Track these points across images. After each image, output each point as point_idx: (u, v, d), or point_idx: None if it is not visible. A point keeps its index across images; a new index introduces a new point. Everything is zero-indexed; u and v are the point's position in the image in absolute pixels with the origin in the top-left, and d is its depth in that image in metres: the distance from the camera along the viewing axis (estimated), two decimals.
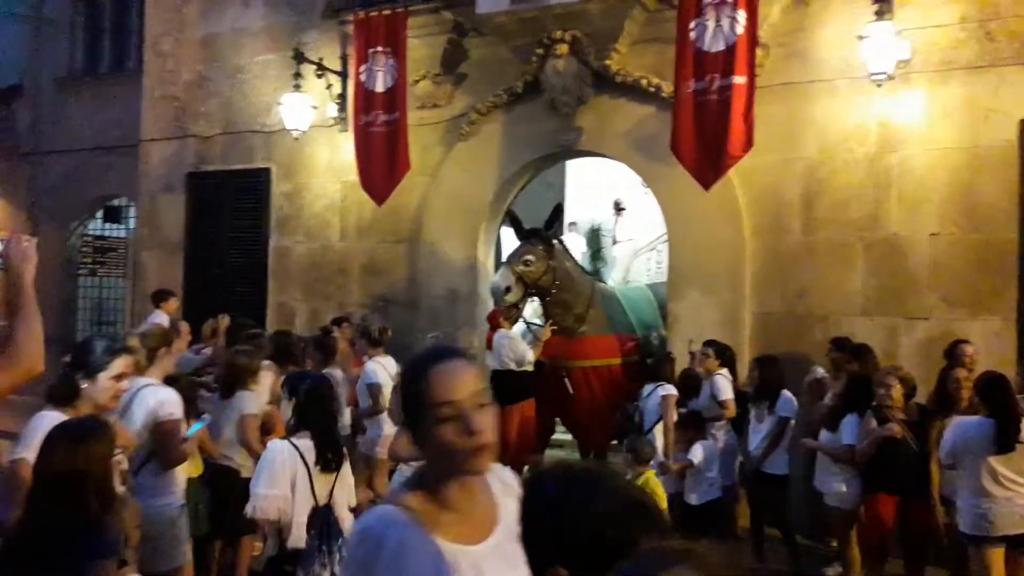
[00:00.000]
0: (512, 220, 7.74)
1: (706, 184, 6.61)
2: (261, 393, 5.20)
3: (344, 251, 9.14)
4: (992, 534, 4.63)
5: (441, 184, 8.47)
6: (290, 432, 3.87)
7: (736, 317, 7.18)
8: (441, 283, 8.45)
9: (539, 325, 7.74)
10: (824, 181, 6.92)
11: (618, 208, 12.02)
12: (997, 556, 4.63)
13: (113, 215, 12.85)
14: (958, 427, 4.82)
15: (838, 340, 6.34)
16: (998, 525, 4.61)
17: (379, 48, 8.03)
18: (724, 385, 6.28)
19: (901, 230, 6.65)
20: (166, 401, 3.98)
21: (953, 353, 5.93)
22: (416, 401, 1.58)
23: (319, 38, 9.02)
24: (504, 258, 7.88)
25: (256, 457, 4.21)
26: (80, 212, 12.65)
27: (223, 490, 4.71)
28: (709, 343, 6.53)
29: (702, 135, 6.55)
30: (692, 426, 5.99)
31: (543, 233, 7.39)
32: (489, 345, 7.39)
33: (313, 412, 3.74)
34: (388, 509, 1.58)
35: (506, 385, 6.97)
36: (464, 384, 1.56)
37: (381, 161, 8.08)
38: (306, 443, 3.68)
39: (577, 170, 12.29)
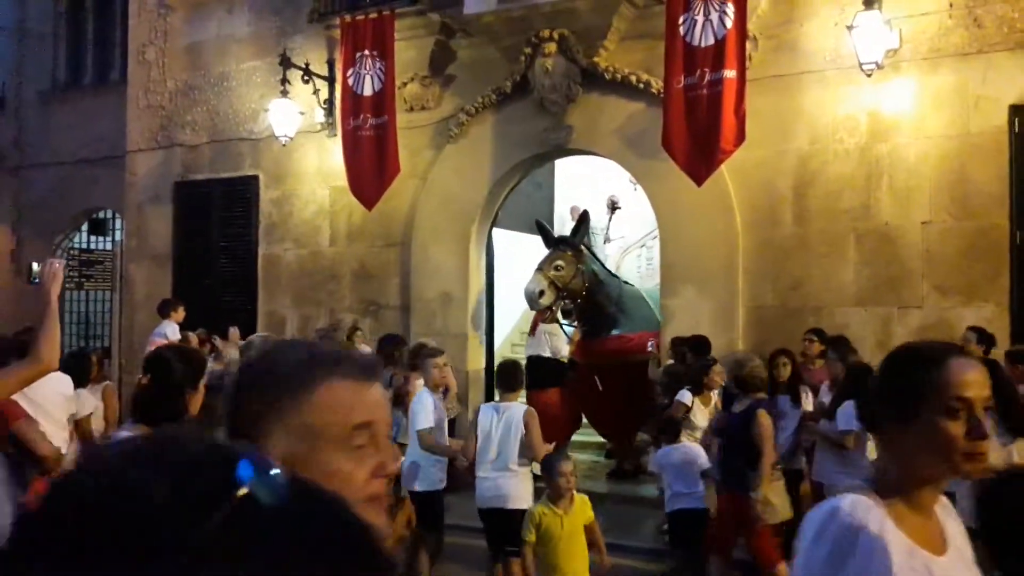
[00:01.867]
0: (540, 228, 8.10)
1: (699, 180, 6.60)
2: None
3: (334, 257, 9.08)
4: None
5: (431, 187, 8.43)
6: None
7: (730, 311, 7.16)
8: (434, 286, 8.40)
9: (572, 326, 8.13)
10: (816, 172, 6.93)
11: (613, 207, 11.98)
12: None
13: (99, 228, 12.71)
14: None
15: (814, 331, 6.34)
16: None
17: (366, 51, 8.00)
18: None
19: (893, 219, 6.66)
20: None
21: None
22: (922, 388, 1.49)
23: (305, 43, 8.98)
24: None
25: None
26: (65, 225, 12.52)
27: None
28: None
29: (693, 130, 6.55)
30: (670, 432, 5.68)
31: (571, 240, 7.81)
32: (532, 331, 8.19)
33: None
34: (861, 498, 1.49)
35: (540, 370, 7.68)
36: (979, 384, 1.48)
37: (370, 165, 8.04)
38: None
39: (566, 169, 12.24)
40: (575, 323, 8.04)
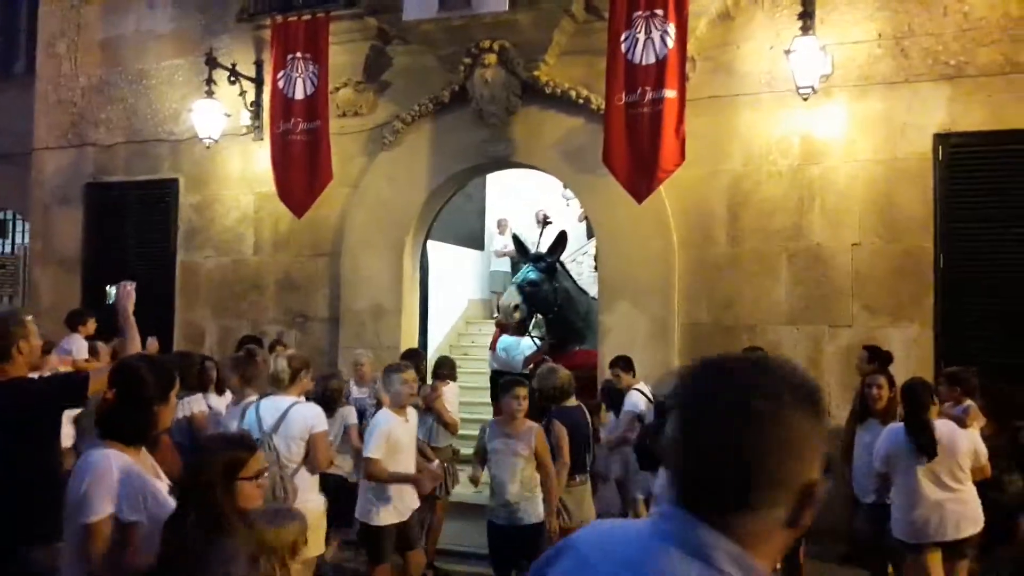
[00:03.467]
0: (516, 243, 8.73)
1: (639, 197, 6.62)
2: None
3: (258, 266, 8.74)
4: (928, 540, 4.68)
5: (364, 195, 8.21)
6: None
7: (666, 328, 7.20)
8: (365, 297, 8.17)
9: (541, 338, 8.40)
10: (749, 193, 7.05)
11: (544, 221, 11.99)
12: (935, 562, 4.69)
13: None
14: (889, 433, 4.90)
15: (751, 349, 6.44)
16: (932, 531, 4.65)
17: (299, 54, 7.74)
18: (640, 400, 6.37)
19: (824, 240, 6.83)
20: (317, 415, 4.56)
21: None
22: None
23: (232, 43, 8.63)
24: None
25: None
26: None
27: (331, 492, 5.19)
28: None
29: (634, 148, 6.56)
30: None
31: (546, 256, 8.25)
32: (492, 347, 8.65)
33: None
34: None
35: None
36: None
37: (301, 171, 7.77)
38: None
39: (497, 181, 12.20)
40: (541, 337, 8.31)
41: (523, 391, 4.96)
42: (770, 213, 6.97)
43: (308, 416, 4.48)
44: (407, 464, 5.01)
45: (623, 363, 6.66)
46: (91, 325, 7.68)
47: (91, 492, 2.48)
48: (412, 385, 5.08)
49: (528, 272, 8.13)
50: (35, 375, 3.60)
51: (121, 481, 2.51)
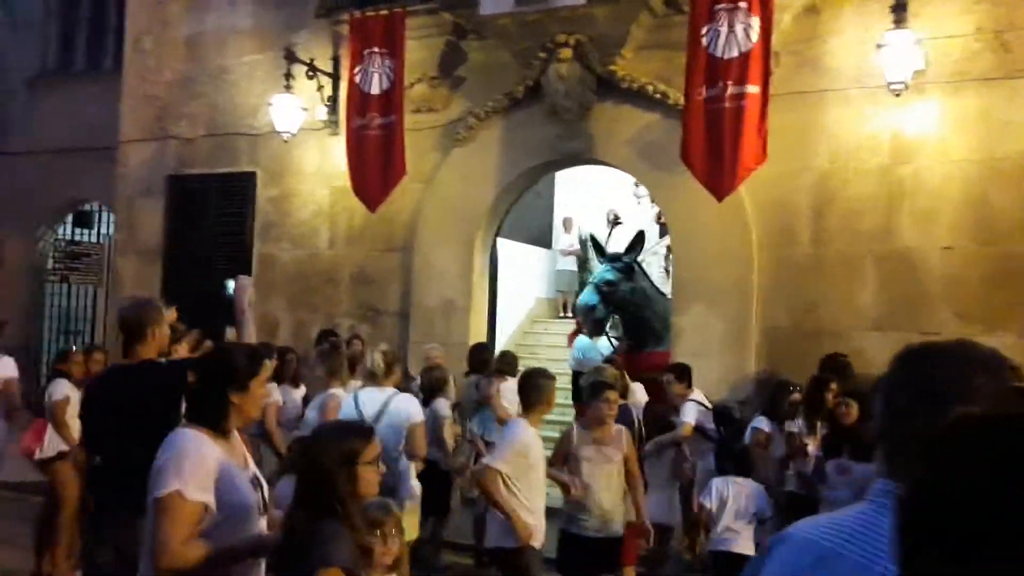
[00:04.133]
0: (594, 244, 8.71)
1: (719, 195, 6.43)
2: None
3: (333, 259, 8.82)
4: None
5: (436, 191, 8.20)
6: None
7: (743, 331, 6.99)
8: (435, 293, 8.17)
9: (619, 339, 8.45)
10: (835, 192, 6.78)
11: (615, 221, 11.85)
12: None
13: (84, 220, 12.37)
14: None
15: (835, 356, 6.19)
16: None
17: (375, 49, 7.77)
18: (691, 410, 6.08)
19: (913, 243, 6.53)
20: (415, 406, 4.80)
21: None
22: None
23: (310, 38, 8.72)
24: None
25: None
26: (49, 217, 12.17)
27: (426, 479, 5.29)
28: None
29: (714, 145, 6.38)
30: None
31: (624, 256, 8.25)
32: (570, 342, 8.95)
33: None
34: None
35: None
36: None
37: (375, 165, 7.80)
38: None
39: (567, 178, 12.08)
40: (619, 338, 8.34)
41: (614, 395, 4.79)
42: (857, 213, 6.69)
43: (408, 407, 4.69)
44: (538, 487, 4.44)
45: (678, 371, 6.33)
46: (172, 313, 7.83)
47: (162, 467, 2.51)
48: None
49: (605, 272, 8.13)
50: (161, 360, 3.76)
51: (193, 461, 2.51)
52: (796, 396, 5.67)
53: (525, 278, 12.01)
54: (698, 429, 6.05)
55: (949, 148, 6.41)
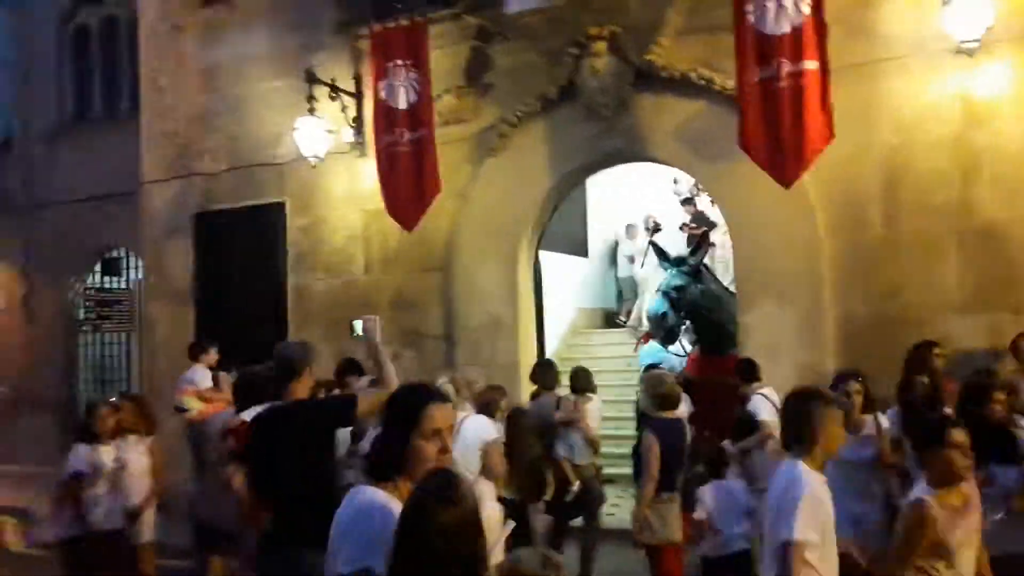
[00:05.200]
0: (656, 249, 8.45)
1: (786, 182, 5.96)
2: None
3: (369, 285, 8.45)
4: None
5: (472, 205, 7.81)
6: None
7: (817, 325, 6.50)
8: (479, 312, 7.75)
9: (693, 344, 8.12)
10: (904, 167, 6.29)
11: (655, 228, 11.38)
12: None
13: (112, 267, 12.16)
14: None
15: (926, 344, 5.59)
16: None
17: (399, 61, 7.40)
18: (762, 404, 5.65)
19: (998, 215, 6.01)
20: (488, 426, 4.73)
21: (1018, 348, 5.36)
22: None
23: (328, 59, 8.39)
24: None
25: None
26: (77, 267, 11.97)
27: None
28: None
29: (775, 128, 5.91)
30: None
31: (690, 259, 7.96)
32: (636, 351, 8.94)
33: None
34: None
35: None
36: None
37: (408, 183, 7.43)
38: None
39: (598, 183, 11.59)
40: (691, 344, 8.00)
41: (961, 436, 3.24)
42: (931, 189, 6.19)
43: (481, 427, 4.61)
44: (833, 557, 2.97)
45: (743, 368, 6.02)
46: (213, 355, 7.54)
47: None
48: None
49: (672, 277, 7.81)
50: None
51: None
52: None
53: (565, 289, 11.54)
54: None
55: None
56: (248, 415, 4.29)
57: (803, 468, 2.92)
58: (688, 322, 7.92)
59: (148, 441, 5.59)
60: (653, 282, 11.59)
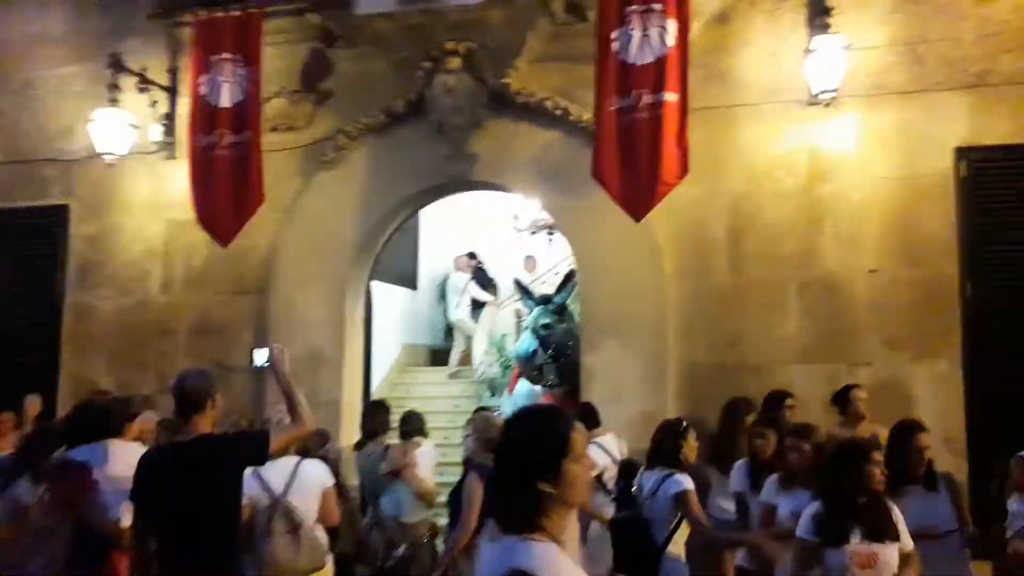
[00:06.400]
0: (519, 287, 8.53)
1: (637, 215, 5.71)
2: None
3: (167, 307, 7.36)
4: None
5: (299, 222, 7.02)
6: None
7: (660, 370, 6.25)
8: (299, 342, 6.86)
9: (558, 384, 7.74)
10: (752, 215, 6.25)
11: (476, 266, 11.03)
12: None
13: None
14: None
15: (777, 393, 5.56)
16: None
17: (226, 55, 6.57)
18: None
19: (837, 267, 6.07)
20: (325, 470, 4.41)
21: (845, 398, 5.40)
22: None
23: (140, 47, 7.36)
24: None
25: None
26: None
27: None
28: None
29: (629, 159, 5.67)
30: None
31: (555, 297, 7.95)
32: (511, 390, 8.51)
33: None
34: None
35: None
36: None
37: (226, 191, 6.53)
38: None
39: (432, 212, 11.06)
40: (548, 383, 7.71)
41: None
42: (777, 238, 6.18)
43: (317, 472, 4.33)
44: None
45: (582, 415, 5.52)
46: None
47: None
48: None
49: (540, 315, 7.79)
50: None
51: None
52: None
53: (391, 322, 10.79)
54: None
55: (869, 166, 6.04)
56: (80, 454, 3.88)
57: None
58: (552, 361, 7.69)
59: None
60: (472, 327, 11.19)
